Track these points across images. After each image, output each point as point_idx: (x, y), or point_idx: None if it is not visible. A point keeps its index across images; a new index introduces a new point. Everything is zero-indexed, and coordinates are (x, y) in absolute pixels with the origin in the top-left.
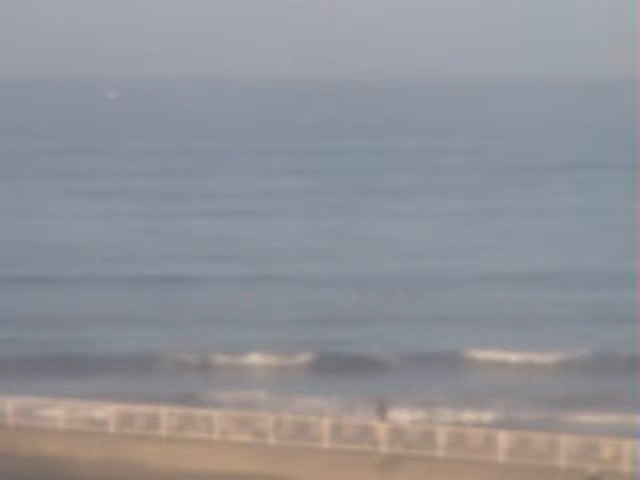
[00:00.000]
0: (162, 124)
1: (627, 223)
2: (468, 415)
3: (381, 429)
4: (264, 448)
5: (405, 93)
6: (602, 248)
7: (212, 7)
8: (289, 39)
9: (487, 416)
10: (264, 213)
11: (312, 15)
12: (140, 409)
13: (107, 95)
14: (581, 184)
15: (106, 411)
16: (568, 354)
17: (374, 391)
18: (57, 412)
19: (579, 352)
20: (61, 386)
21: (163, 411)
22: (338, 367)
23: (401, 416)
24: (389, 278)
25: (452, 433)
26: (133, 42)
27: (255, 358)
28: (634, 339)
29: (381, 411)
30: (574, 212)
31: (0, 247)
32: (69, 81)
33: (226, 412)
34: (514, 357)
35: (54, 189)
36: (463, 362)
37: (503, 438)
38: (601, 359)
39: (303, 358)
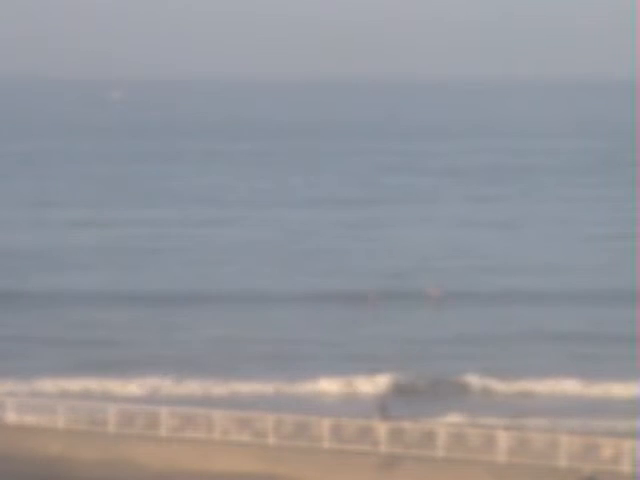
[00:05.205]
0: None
1: None
2: None
3: (381, 429)
4: (264, 448)
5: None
6: None
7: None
8: (293, 36)
9: None
10: None
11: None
12: (140, 409)
13: (111, 95)
14: None
15: (106, 411)
16: None
17: None
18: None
19: None
20: None
21: (163, 411)
22: None
23: None
24: None
25: (452, 433)
26: (134, 42)
27: None
28: None
29: (382, 411)
30: None
31: None
32: (69, 81)
33: (226, 412)
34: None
35: None
36: None
37: (503, 438)
38: None
39: None
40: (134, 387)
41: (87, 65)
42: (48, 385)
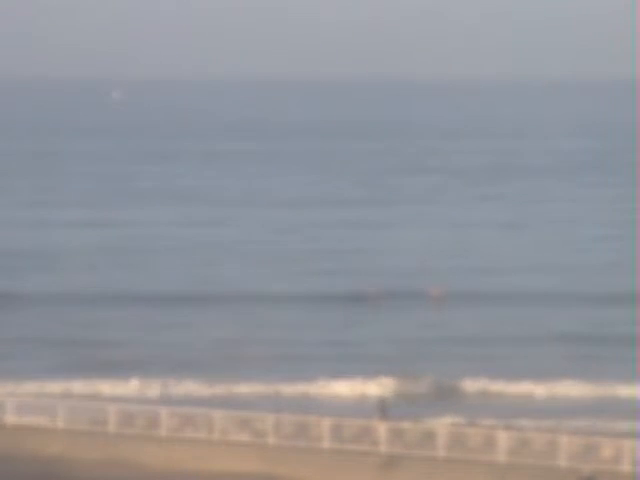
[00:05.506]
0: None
1: None
2: None
3: (381, 429)
4: (264, 448)
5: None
6: None
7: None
8: (285, 37)
9: None
10: None
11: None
12: (140, 409)
13: (111, 95)
14: None
15: (106, 411)
16: None
17: None
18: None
19: None
20: None
21: (163, 411)
22: None
23: None
24: None
25: (452, 433)
26: (133, 43)
27: None
28: None
29: (382, 411)
30: None
31: None
32: (69, 81)
33: (226, 412)
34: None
35: None
36: None
37: (503, 438)
38: None
39: None
40: (133, 387)
41: (87, 65)
42: (48, 385)
